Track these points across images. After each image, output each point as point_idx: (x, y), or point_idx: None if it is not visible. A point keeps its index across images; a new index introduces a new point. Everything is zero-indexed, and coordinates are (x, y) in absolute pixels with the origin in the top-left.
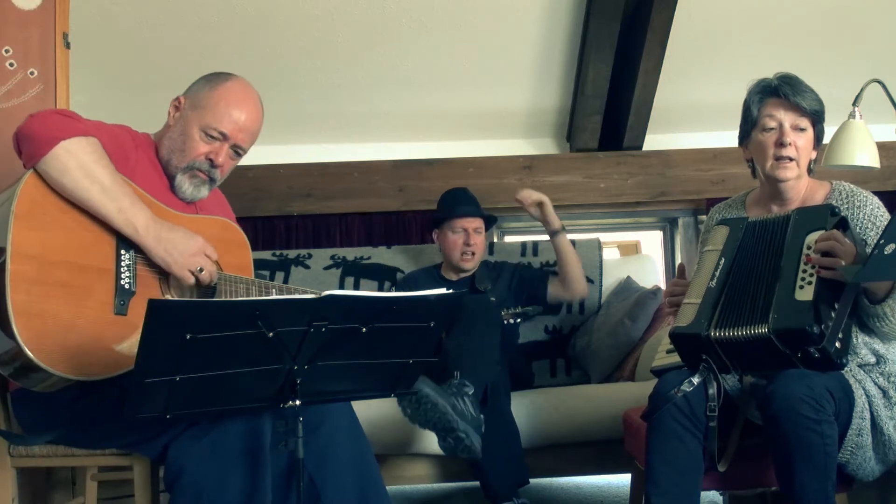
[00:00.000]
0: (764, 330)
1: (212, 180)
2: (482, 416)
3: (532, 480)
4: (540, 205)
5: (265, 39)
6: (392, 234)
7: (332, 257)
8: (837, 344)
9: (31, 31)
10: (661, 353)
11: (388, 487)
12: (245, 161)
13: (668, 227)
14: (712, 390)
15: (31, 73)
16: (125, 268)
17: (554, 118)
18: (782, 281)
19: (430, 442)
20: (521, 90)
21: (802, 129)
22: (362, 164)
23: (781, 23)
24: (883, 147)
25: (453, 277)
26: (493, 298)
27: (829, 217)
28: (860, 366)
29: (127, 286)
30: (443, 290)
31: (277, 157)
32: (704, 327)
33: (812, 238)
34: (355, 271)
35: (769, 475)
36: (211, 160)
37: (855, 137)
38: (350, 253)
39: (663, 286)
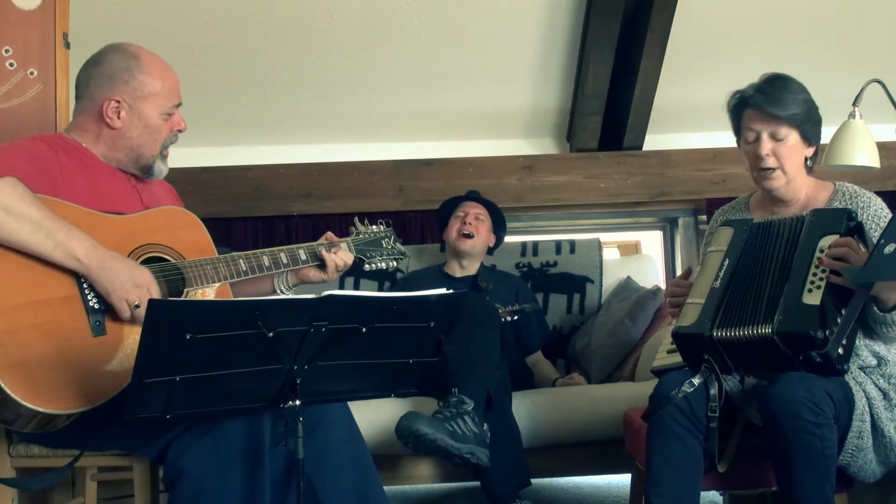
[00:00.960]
0: (768, 330)
1: None
2: (486, 424)
3: (532, 481)
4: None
5: (265, 39)
6: None
7: None
8: (840, 350)
9: (31, 31)
10: (662, 353)
11: (388, 487)
12: (245, 161)
13: (668, 227)
14: (713, 391)
15: (31, 74)
16: (87, 288)
17: (554, 118)
18: (791, 282)
19: None
20: (521, 90)
21: (781, 138)
22: (362, 164)
23: (781, 23)
24: (883, 147)
25: (457, 274)
26: (487, 298)
27: (846, 222)
28: (861, 368)
29: (96, 306)
30: (443, 290)
31: (277, 157)
32: (707, 327)
33: (826, 242)
34: (355, 271)
35: (769, 475)
36: (179, 130)
37: (855, 137)
38: None
39: (663, 286)
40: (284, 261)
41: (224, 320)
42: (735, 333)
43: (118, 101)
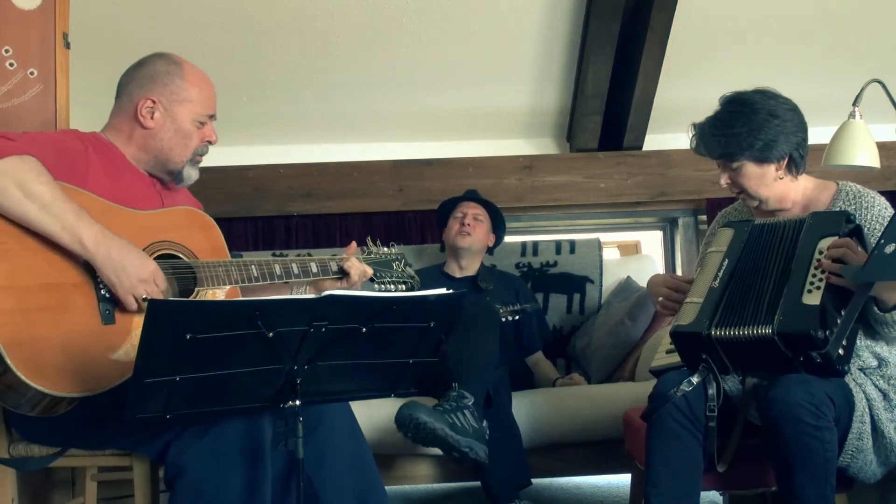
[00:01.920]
0: (768, 331)
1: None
2: (485, 422)
3: (532, 481)
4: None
5: (265, 39)
6: (392, 234)
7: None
8: (840, 350)
9: (31, 31)
10: (661, 352)
11: (388, 487)
12: (245, 161)
13: (668, 227)
14: (712, 390)
15: (31, 74)
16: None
17: (554, 118)
18: (790, 284)
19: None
20: (521, 90)
21: (735, 169)
22: (362, 164)
23: (781, 23)
24: (883, 147)
25: (457, 274)
26: (488, 298)
27: (844, 224)
28: (861, 369)
29: (108, 294)
30: (443, 290)
31: (277, 157)
32: (706, 326)
33: (825, 243)
34: None
35: (769, 475)
36: (209, 141)
37: (855, 137)
38: None
39: None
40: (296, 271)
41: (224, 320)
42: (734, 333)
43: (154, 102)
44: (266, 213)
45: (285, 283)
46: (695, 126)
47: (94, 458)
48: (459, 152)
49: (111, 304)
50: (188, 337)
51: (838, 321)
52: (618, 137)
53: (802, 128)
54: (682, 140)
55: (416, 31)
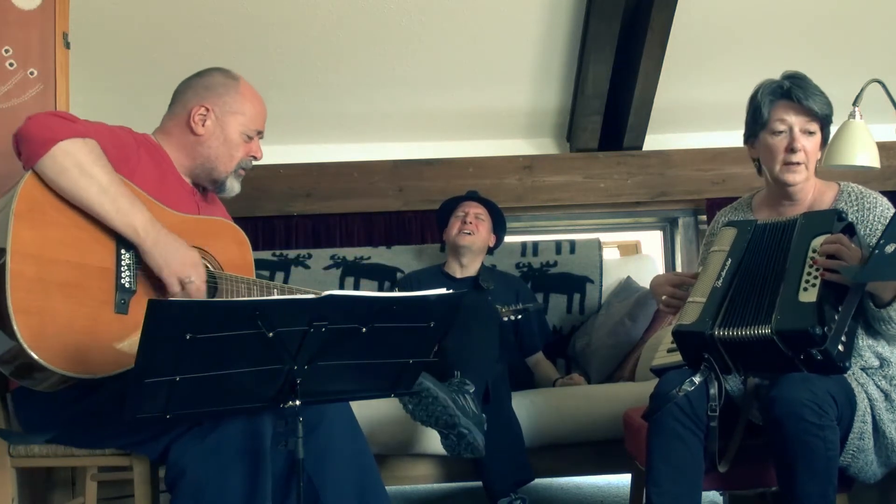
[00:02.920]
0: (767, 330)
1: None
2: (484, 414)
3: (533, 475)
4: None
5: (265, 39)
6: (392, 234)
7: (332, 257)
8: (840, 347)
9: (31, 31)
10: (662, 352)
11: (388, 487)
12: None
13: (668, 227)
14: (713, 390)
15: (31, 74)
16: (125, 267)
17: (554, 118)
18: (787, 282)
19: (432, 442)
20: (521, 90)
21: (811, 133)
22: (362, 164)
23: (781, 22)
24: (883, 147)
25: (458, 274)
26: (489, 298)
27: (836, 222)
28: (863, 369)
29: (127, 285)
30: (443, 290)
31: (277, 157)
32: (709, 326)
33: (818, 241)
34: (355, 271)
35: (769, 475)
36: (254, 157)
37: (855, 137)
38: (350, 253)
39: None
40: None
41: (224, 320)
42: (736, 333)
43: (207, 109)
44: (266, 213)
45: None
46: (774, 82)
47: (94, 458)
48: (459, 152)
49: (128, 294)
50: (188, 337)
51: (836, 317)
52: (618, 137)
53: None
54: (682, 140)
55: (416, 31)
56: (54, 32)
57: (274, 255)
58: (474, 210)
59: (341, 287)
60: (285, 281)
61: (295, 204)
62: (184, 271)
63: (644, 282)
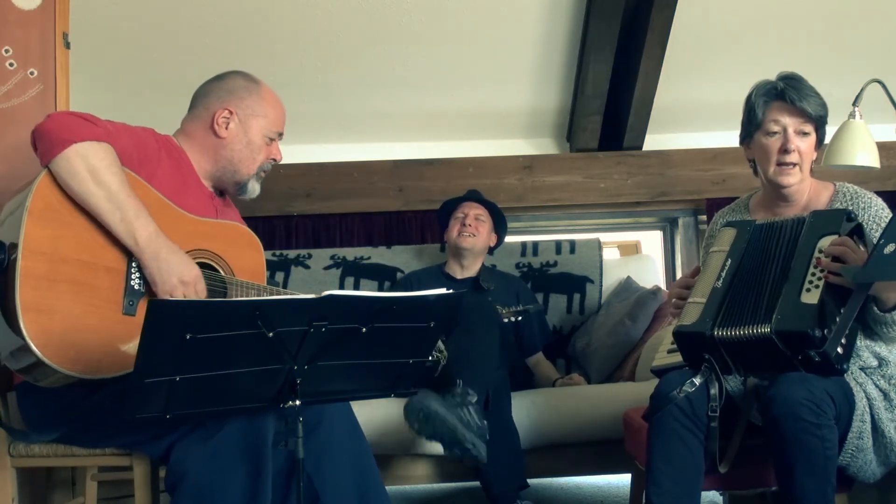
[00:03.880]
0: (766, 330)
1: None
2: (485, 421)
3: (532, 481)
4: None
5: (265, 39)
6: (392, 234)
7: (332, 257)
8: (839, 349)
9: (31, 31)
10: (662, 352)
11: (388, 488)
12: None
13: (668, 227)
14: (714, 390)
15: (31, 74)
16: (135, 269)
17: (554, 118)
18: (789, 282)
19: (432, 442)
20: (521, 90)
21: (806, 134)
22: (362, 164)
23: (782, 22)
24: (883, 147)
25: (458, 274)
26: (490, 298)
27: (845, 222)
28: (861, 369)
29: (137, 287)
30: (443, 290)
31: None
32: (709, 326)
33: (825, 242)
34: (355, 271)
35: (769, 475)
36: (274, 159)
37: (855, 137)
38: (350, 253)
39: (663, 286)
40: None
41: (224, 320)
42: (735, 333)
43: (230, 112)
44: (266, 213)
45: None
46: (769, 83)
47: (94, 458)
48: (459, 152)
49: (137, 297)
50: (188, 337)
51: (837, 320)
52: (618, 137)
53: None
54: (682, 140)
55: (416, 31)
56: (54, 32)
57: (274, 255)
58: (474, 211)
59: (341, 287)
60: (285, 281)
61: (295, 204)
62: (178, 289)
63: (644, 282)
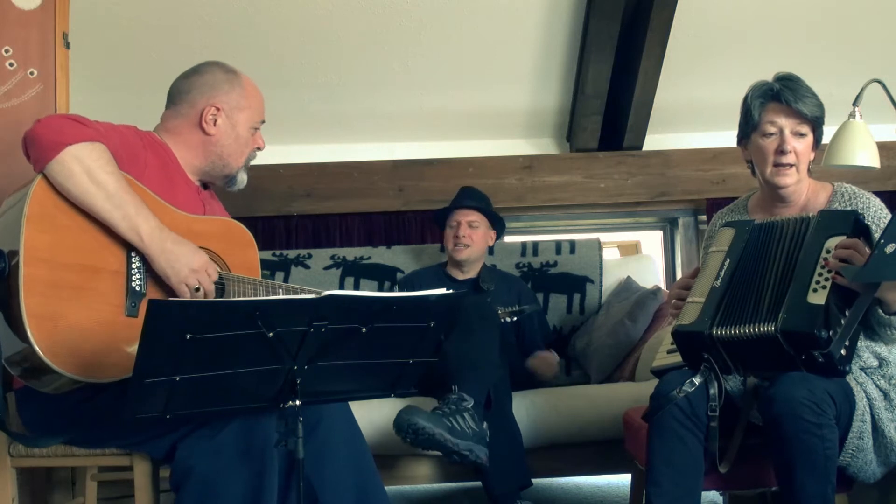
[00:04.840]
0: (771, 328)
1: None
2: (485, 423)
3: (532, 481)
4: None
5: (265, 39)
6: (392, 234)
7: (332, 257)
8: (843, 351)
9: (31, 31)
10: (662, 353)
11: (388, 487)
12: None
13: (668, 227)
14: (713, 390)
15: (31, 74)
16: (136, 270)
17: (554, 118)
18: (796, 282)
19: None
20: (521, 90)
21: (802, 135)
22: (362, 164)
23: (782, 22)
24: (883, 147)
25: (458, 276)
26: (489, 299)
27: (854, 224)
28: (862, 369)
29: (138, 288)
30: (443, 291)
31: (277, 157)
32: (707, 325)
33: (833, 243)
34: (355, 271)
35: (769, 475)
36: (258, 147)
37: (855, 137)
38: (350, 253)
39: (663, 286)
40: None
41: (224, 320)
42: (736, 331)
43: (218, 109)
44: (266, 213)
45: None
46: (765, 84)
47: (94, 458)
48: (459, 152)
49: (139, 298)
50: (188, 337)
51: (842, 322)
52: (618, 137)
53: None
54: (682, 140)
55: (416, 31)
56: (54, 32)
57: (274, 255)
58: (466, 219)
59: (341, 287)
60: (285, 281)
61: (295, 204)
62: (191, 278)
63: (644, 282)
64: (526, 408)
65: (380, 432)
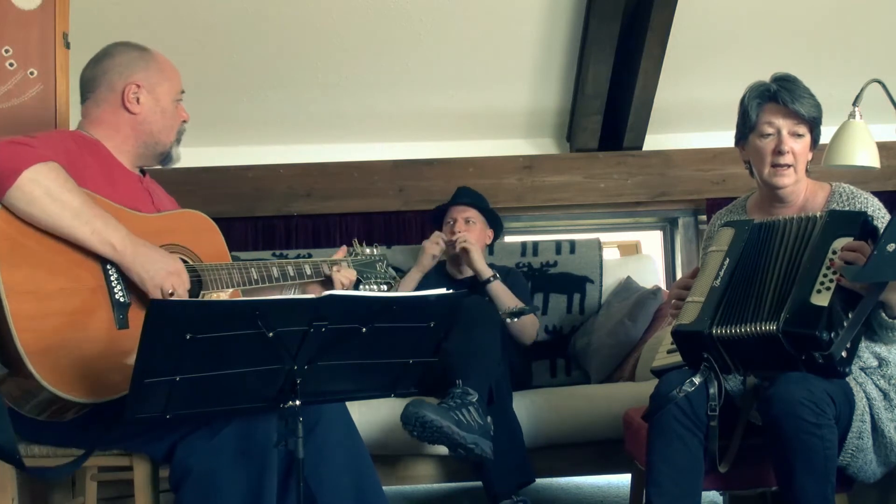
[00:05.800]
0: (772, 328)
1: None
2: (489, 417)
3: (534, 477)
4: (464, 251)
5: (265, 40)
6: (392, 234)
7: None
8: (844, 353)
9: (31, 31)
10: (662, 353)
11: (389, 487)
12: (245, 161)
13: (668, 227)
14: (713, 390)
15: (31, 74)
16: (115, 282)
17: (554, 118)
18: (800, 282)
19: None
20: (521, 90)
21: (800, 135)
22: (362, 164)
23: (781, 22)
24: (883, 147)
25: (457, 275)
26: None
27: (861, 226)
28: (862, 369)
29: (122, 299)
30: (443, 291)
31: (277, 157)
32: (707, 325)
33: (839, 244)
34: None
35: (769, 475)
36: (184, 120)
37: (855, 137)
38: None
39: (663, 286)
40: (291, 273)
41: (224, 320)
42: (736, 331)
43: (138, 86)
44: (266, 213)
45: (281, 285)
46: (762, 85)
47: (94, 458)
48: (459, 152)
49: (125, 308)
50: (188, 337)
51: (845, 323)
52: (618, 137)
53: None
54: (682, 140)
55: (417, 32)
56: (54, 32)
57: (274, 254)
58: (462, 215)
59: None
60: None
61: (295, 204)
62: (166, 282)
63: (644, 282)
64: (526, 407)
65: (380, 432)
